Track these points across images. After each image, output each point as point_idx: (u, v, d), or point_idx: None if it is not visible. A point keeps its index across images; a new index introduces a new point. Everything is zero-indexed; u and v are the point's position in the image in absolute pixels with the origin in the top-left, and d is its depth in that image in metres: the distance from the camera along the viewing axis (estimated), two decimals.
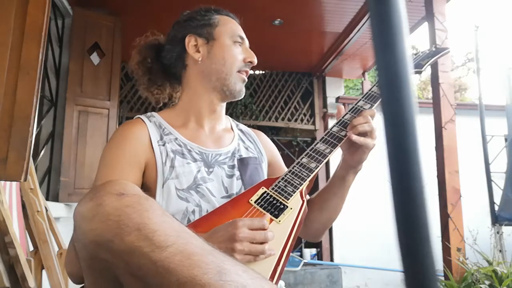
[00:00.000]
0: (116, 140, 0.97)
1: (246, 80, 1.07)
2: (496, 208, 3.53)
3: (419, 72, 1.09)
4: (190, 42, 1.06)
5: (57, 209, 2.65)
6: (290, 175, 0.93)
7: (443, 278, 2.35)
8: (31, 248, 1.80)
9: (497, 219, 3.45)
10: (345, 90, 5.88)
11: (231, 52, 1.05)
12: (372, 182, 4.37)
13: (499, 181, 3.73)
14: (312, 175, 0.92)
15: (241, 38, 1.08)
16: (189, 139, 1.01)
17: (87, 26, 3.28)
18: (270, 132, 4.89)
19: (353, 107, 0.98)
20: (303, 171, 0.92)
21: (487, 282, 2.14)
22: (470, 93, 13.74)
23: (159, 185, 0.93)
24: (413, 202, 0.24)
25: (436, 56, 1.11)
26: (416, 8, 3.29)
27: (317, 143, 0.96)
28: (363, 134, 0.92)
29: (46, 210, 1.95)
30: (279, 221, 0.85)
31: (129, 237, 0.55)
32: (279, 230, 0.84)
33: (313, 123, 5.06)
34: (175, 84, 1.15)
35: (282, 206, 0.87)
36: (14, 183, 1.74)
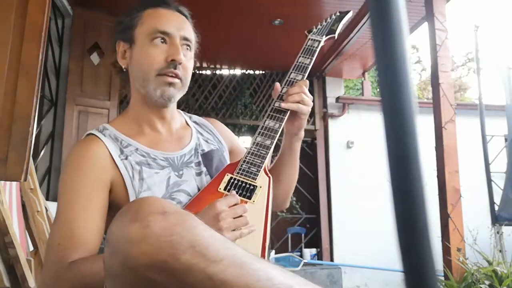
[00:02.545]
0: (74, 165, 0.91)
1: (174, 81, 0.95)
2: (496, 208, 3.54)
3: (334, 37, 1.17)
4: (119, 49, 1.01)
5: None
6: (250, 156, 0.96)
7: (443, 278, 2.35)
8: (31, 248, 1.80)
9: (497, 219, 3.45)
10: (345, 90, 5.88)
11: (147, 54, 0.94)
12: (372, 182, 4.37)
13: (499, 181, 3.73)
14: (270, 152, 0.97)
15: (164, 33, 0.95)
16: (150, 146, 0.97)
17: (87, 26, 3.28)
18: None
19: (287, 80, 1.05)
20: (261, 150, 0.97)
21: (487, 282, 2.15)
22: (470, 93, 13.74)
23: (131, 200, 0.88)
24: (413, 202, 0.24)
25: (343, 20, 1.17)
26: (416, 8, 3.29)
27: (265, 120, 1.01)
28: (299, 102, 1.00)
29: (46, 210, 1.95)
30: (253, 201, 0.89)
31: (185, 256, 0.55)
32: (256, 209, 0.88)
33: (313, 123, 5.06)
34: None
35: (252, 187, 0.91)
36: (14, 183, 1.74)
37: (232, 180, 0.93)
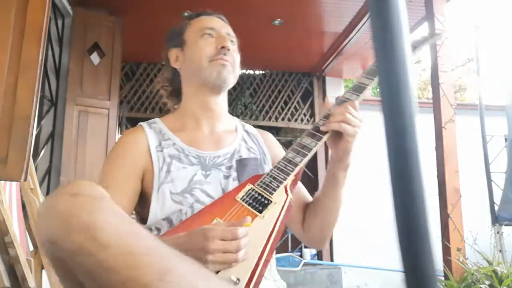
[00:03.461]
0: (116, 150, 1.01)
1: (226, 63, 1.04)
2: (496, 208, 3.53)
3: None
4: (171, 56, 1.11)
5: None
6: (275, 171, 0.93)
7: (443, 278, 2.35)
8: (31, 248, 1.80)
9: (497, 219, 3.45)
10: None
11: (199, 46, 1.05)
12: (372, 182, 4.37)
13: (499, 181, 3.73)
14: (297, 169, 0.92)
15: (211, 28, 1.07)
16: (188, 143, 1.02)
17: (87, 26, 3.28)
18: (270, 132, 4.88)
19: (339, 99, 0.98)
20: (288, 166, 0.93)
21: (487, 282, 2.14)
22: (470, 93, 13.74)
23: (154, 190, 0.94)
24: (413, 202, 0.24)
25: (425, 43, 1.10)
26: (416, 8, 3.28)
27: (303, 137, 0.96)
28: (343, 122, 0.93)
29: None
30: (263, 216, 0.86)
31: (78, 237, 0.56)
32: (263, 225, 0.85)
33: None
34: None
35: (266, 201, 0.88)
36: (14, 183, 1.74)
37: (250, 191, 0.92)
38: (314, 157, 4.99)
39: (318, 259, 4.67)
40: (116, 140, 3.17)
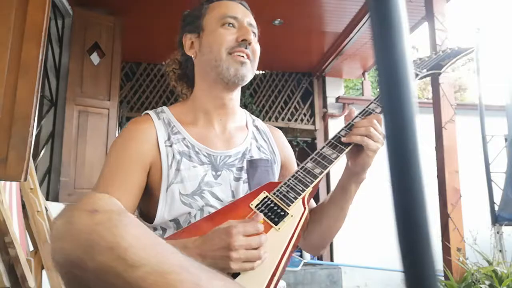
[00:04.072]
0: (122, 140, 0.94)
1: (245, 61, 0.96)
2: (496, 208, 3.53)
3: (438, 74, 1.01)
4: (186, 41, 1.03)
5: (57, 209, 2.65)
6: (293, 180, 0.88)
7: (443, 278, 2.35)
8: (31, 248, 1.79)
9: (497, 219, 3.45)
10: (345, 90, 5.88)
11: (218, 35, 0.96)
12: (372, 182, 4.36)
13: (499, 181, 3.73)
14: (316, 182, 0.87)
15: (233, 17, 0.98)
16: (198, 139, 0.96)
17: (87, 26, 3.29)
18: None
19: (364, 109, 0.94)
20: (307, 177, 0.88)
21: (487, 282, 2.14)
22: (470, 93, 13.74)
23: (163, 189, 0.90)
24: (413, 202, 0.24)
25: (458, 56, 1.03)
26: (416, 8, 3.29)
27: (324, 147, 0.91)
28: (366, 136, 0.88)
29: (46, 210, 1.95)
30: (278, 228, 0.82)
31: (102, 257, 0.54)
32: (278, 238, 0.81)
33: (313, 123, 5.06)
34: None
35: (283, 213, 0.84)
36: (14, 183, 1.74)
37: (266, 200, 0.87)
38: None
39: (318, 259, 4.67)
40: None
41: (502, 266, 2.24)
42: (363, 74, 5.23)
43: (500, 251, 3.17)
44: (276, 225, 0.82)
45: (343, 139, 0.90)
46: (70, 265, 0.56)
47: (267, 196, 0.87)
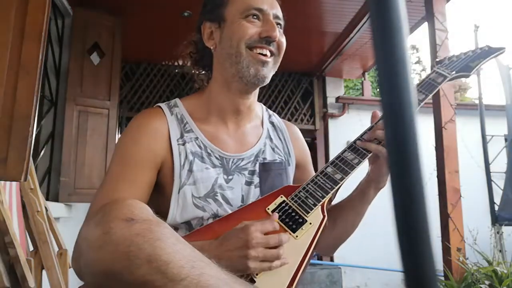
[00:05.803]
0: (132, 134, 0.88)
1: (267, 60, 0.90)
2: (496, 208, 3.54)
3: (467, 76, 0.95)
4: (205, 30, 0.96)
5: (57, 209, 2.65)
6: (312, 186, 0.84)
7: (443, 278, 2.35)
8: (31, 248, 1.79)
9: (497, 219, 3.45)
10: (345, 90, 5.88)
11: (240, 27, 0.89)
12: None
13: (499, 181, 3.73)
14: (336, 188, 0.83)
15: (259, 9, 0.90)
16: (210, 139, 0.92)
17: (87, 26, 3.28)
18: None
19: None
20: (327, 183, 0.84)
21: (487, 282, 2.15)
22: (470, 93, 13.74)
23: (175, 190, 0.86)
24: (413, 202, 0.24)
25: (489, 57, 0.98)
26: (416, 8, 3.29)
27: (345, 151, 0.87)
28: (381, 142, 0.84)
29: (46, 210, 1.95)
30: (296, 236, 0.78)
31: (140, 270, 0.52)
32: (296, 246, 0.77)
33: (313, 123, 5.06)
34: None
35: (301, 220, 0.80)
36: (14, 183, 1.74)
37: (283, 205, 0.83)
38: (314, 156, 4.99)
39: (318, 259, 4.67)
40: (117, 139, 3.17)
41: (502, 266, 2.24)
42: (363, 74, 5.23)
43: (500, 251, 3.17)
44: (294, 232, 0.79)
45: (359, 142, 0.86)
46: (107, 277, 0.55)
47: (284, 201, 0.84)
